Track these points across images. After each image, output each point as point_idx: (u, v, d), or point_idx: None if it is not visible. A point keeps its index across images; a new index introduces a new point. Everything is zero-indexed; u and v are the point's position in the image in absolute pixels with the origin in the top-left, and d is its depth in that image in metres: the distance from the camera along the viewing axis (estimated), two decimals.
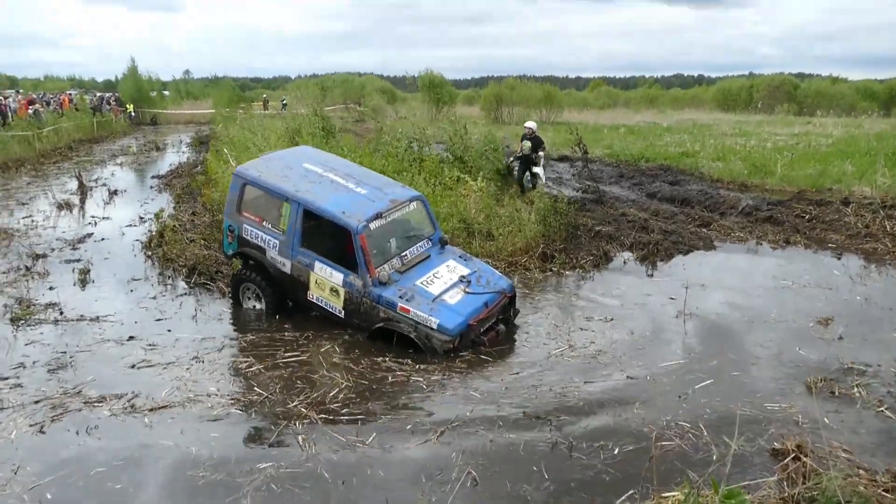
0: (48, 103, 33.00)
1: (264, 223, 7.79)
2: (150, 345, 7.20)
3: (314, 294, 7.56)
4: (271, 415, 5.72)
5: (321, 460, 4.99)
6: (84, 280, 9.55)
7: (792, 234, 12.04)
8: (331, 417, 5.65)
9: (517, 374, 6.58)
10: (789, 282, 9.44)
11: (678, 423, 5.45)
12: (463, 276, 7.63)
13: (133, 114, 41.61)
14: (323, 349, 7.15)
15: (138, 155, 26.40)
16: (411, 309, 6.95)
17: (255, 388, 6.19)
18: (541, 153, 14.00)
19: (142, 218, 13.49)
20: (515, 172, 14.39)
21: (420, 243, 7.93)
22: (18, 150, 22.76)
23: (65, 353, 6.95)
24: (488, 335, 7.32)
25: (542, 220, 11.12)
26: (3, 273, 9.77)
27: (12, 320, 7.89)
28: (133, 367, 6.66)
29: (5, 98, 27.75)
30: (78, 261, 10.46)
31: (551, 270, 10.16)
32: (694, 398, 5.96)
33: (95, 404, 5.86)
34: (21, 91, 33.30)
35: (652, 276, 10.11)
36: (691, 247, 11.41)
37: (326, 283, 7.40)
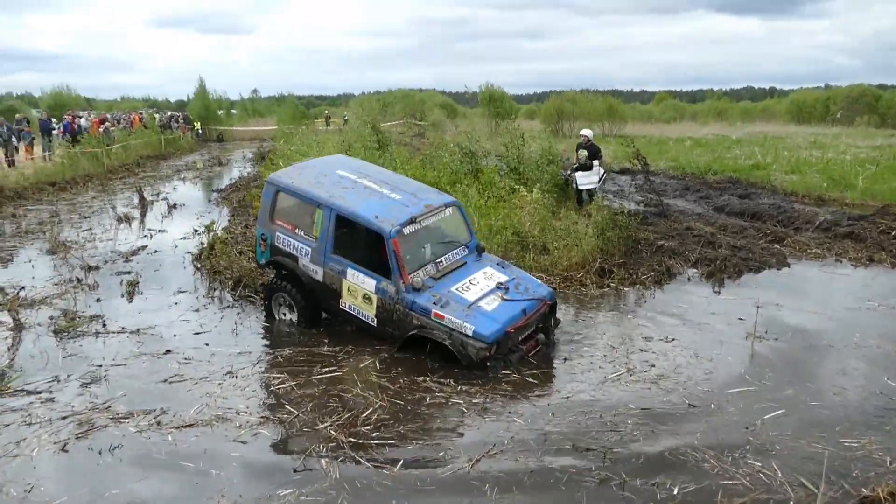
0: (118, 122, 34.13)
1: (297, 230, 7.61)
2: (185, 358, 6.98)
3: (346, 302, 7.31)
4: (299, 436, 5.37)
5: (345, 488, 4.60)
6: (131, 292, 9.48)
7: (876, 251, 11.09)
8: (360, 441, 5.26)
9: (566, 398, 6.05)
10: (874, 303, 8.60)
11: (746, 461, 4.83)
12: (500, 283, 7.25)
13: (200, 131, 42.70)
14: (361, 365, 6.79)
15: (202, 170, 26.91)
16: (446, 315, 6.62)
17: (286, 407, 5.86)
18: (597, 162, 13.38)
19: (196, 231, 13.50)
20: (574, 185, 13.79)
21: (456, 250, 7.62)
22: (87, 167, 23.40)
23: (100, 366, 6.79)
24: (527, 344, 6.96)
25: (599, 234, 10.54)
26: (55, 285, 9.80)
27: (55, 332, 7.81)
28: (165, 381, 6.43)
29: (78, 117, 28.73)
30: (128, 273, 10.44)
31: (609, 286, 9.57)
32: (763, 431, 5.32)
33: (122, 420, 5.63)
34: (94, 111, 34.53)
35: (719, 293, 9.41)
36: (762, 263, 10.61)
37: (359, 290, 7.14)
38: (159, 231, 13.97)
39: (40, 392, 6.23)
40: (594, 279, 9.71)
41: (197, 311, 8.61)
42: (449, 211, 7.81)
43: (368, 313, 7.16)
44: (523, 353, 6.85)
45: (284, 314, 7.97)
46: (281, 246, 7.74)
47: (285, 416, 5.70)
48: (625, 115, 37.16)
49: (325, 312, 7.83)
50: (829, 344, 7.28)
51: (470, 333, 6.49)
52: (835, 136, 30.02)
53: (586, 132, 14.05)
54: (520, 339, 6.92)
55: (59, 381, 6.48)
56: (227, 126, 48.14)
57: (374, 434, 5.38)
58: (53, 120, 27.60)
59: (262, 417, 5.69)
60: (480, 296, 6.95)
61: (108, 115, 36.05)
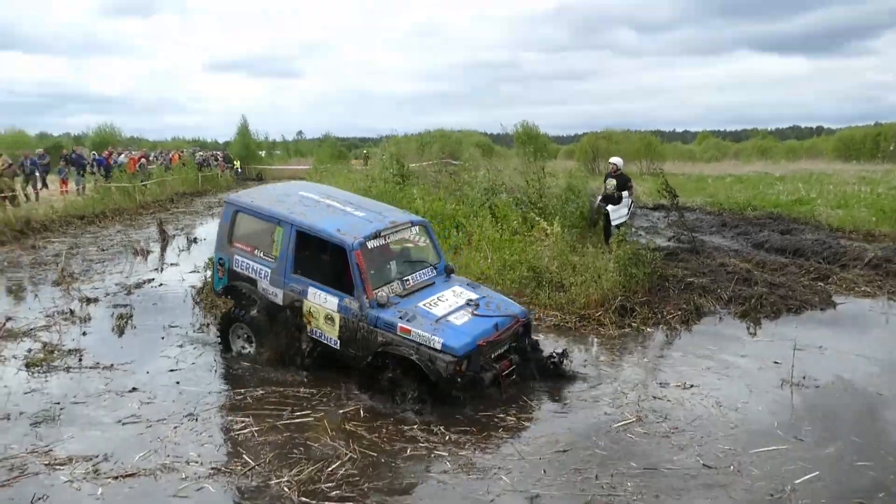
0: (158, 159, 34.54)
1: (256, 251, 7.20)
2: (150, 398, 6.39)
3: (308, 325, 6.83)
4: (248, 493, 4.69)
5: None
6: (122, 326, 9.00)
7: None
8: (315, 501, 4.55)
9: (564, 451, 5.26)
10: None
11: None
12: (471, 300, 6.83)
13: (240, 170, 43.15)
14: (341, 410, 6.10)
15: None
16: (412, 329, 6.14)
17: (243, 456, 5.19)
18: (626, 193, 12.54)
19: (205, 265, 13.11)
20: (599, 216, 12.96)
21: (423, 270, 7.23)
22: (119, 201, 23.52)
23: (58, 404, 6.24)
24: (501, 363, 6.45)
25: (622, 270, 9.74)
26: (47, 316, 9.39)
27: (27, 366, 7.33)
28: (120, 422, 5.84)
29: (115, 153, 29.14)
30: (126, 306, 10.00)
31: (630, 326, 8.74)
32: (793, 499, 4.44)
33: (58, 467, 5.03)
34: (133, 149, 35.10)
35: (754, 335, 8.53)
36: (804, 302, 9.66)
37: (321, 310, 6.67)
38: (171, 265, 13.62)
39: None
40: (614, 318, 8.89)
41: (181, 346, 8.06)
42: (415, 230, 7.48)
43: (331, 335, 6.67)
44: (497, 372, 6.29)
45: (243, 347, 7.38)
46: (239, 270, 7.26)
47: (239, 467, 5.04)
48: (663, 154, 36.19)
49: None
50: (877, 392, 6.34)
51: (439, 347, 5.99)
52: (885, 172, 28.56)
53: (616, 160, 13.17)
54: (493, 356, 6.44)
55: (9, 418, 5.93)
56: (267, 165, 48.69)
57: (335, 493, 4.67)
58: (86, 155, 27.94)
59: (212, 468, 5.02)
60: (449, 311, 6.50)
61: (150, 153, 36.57)
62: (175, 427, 5.69)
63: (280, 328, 6.92)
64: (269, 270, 7.04)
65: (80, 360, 7.53)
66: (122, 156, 30.58)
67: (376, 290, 6.45)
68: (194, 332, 8.68)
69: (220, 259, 7.49)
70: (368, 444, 5.45)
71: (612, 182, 12.76)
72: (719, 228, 16.60)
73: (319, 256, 7.12)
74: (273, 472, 4.96)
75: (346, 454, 5.23)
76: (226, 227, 7.41)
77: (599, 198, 13.02)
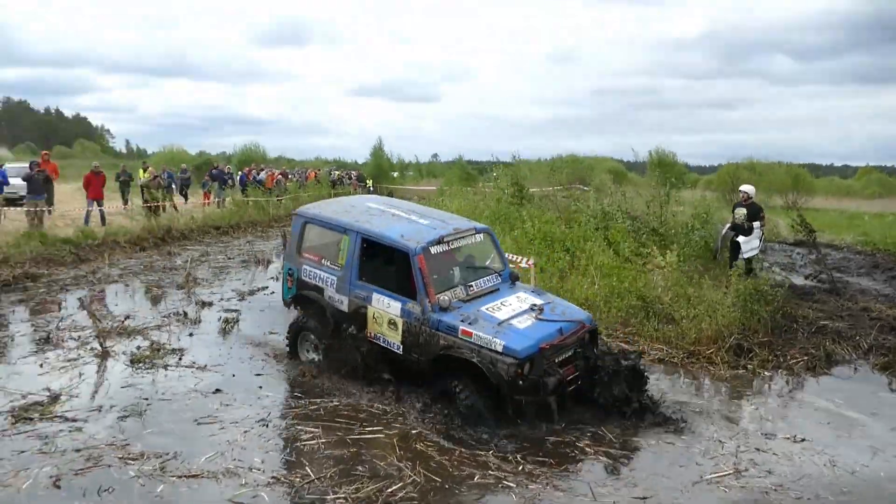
0: (293, 176, 36.27)
1: (323, 261, 7.36)
2: (230, 400, 6.48)
3: (372, 331, 6.85)
4: None
5: None
6: (226, 329, 9.30)
7: None
8: None
9: (641, 498, 4.73)
10: None
11: None
12: (535, 305, 6.71)
13: (371, 189, 44.54)
14: (414, 431, 5.88)
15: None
16: (474, 332, 6.10)
17: (306, 468, 5.09)
18: (757, 224, 11.52)
19: None
20: (725, 244, 12.00)
21: (488, 276, 7.19)
22: (254, 214, 24.85)
23: (147, 399, 6.47)
24: (565, 369, 6.28)
25: (742, 306, 8.90)
26: (164, 317, 9.88)
27: (132, 362, 7.68)
28: (196, 421, 5.93)
29: (255, 170, 30.90)
30: (235, 311, 10.37)
31: (744, 368, 7.93)
32: None
33: (130, 461, 5.15)
34: (271, 167, 37.15)
35: (895, 390, 7.45)
36: None
37: (384, 315, 6.72)
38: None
39: (76, 420, 5.97)
40: (727, 358, 8.11)
41: (269, 354, 8.16)
42: (480, 237, 7.46)
43: (394, 340, 6.68)
44: (561, 377, 6.12)
45: (311, 356, 7.48)
46: (307, 279, 7.41)
47: (298, 479, 4.93)
48: (813, 187, 33.47)
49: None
50: None
51: (500, 349, 5.92)
52: None
53: (747, 188, 12.16)
54: (556, 360, 6.25)
55: (100, 410, 6.19)
56: (398, 185, 50.02)
57: None
58: (226, 171, 29.81)
59: (272, 477, 4.95)
60: (512, 315, 6.44)
61: (288, 171, 38.55)
62: (245, 431, 5.70)
63: (346, 337, 6.94)
64: (335, 278, 7.15)
65: (180, 359, 7.83)
66: (263, 173, 32.43)
67: (438, 295, 6.43)
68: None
69: (290, 270, 7.66)
70: (436, 466, 5.20)
71: (742, 211, 11.79)
72: (869, 270, 14.94)
73: (384, 263, 7.11)
74: (332, 486, 4.82)
75: (410, 476, 5.02)
76: (296, 237, 7.58)
77: (726, 227, 12.08)
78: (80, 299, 10.86)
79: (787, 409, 6.66)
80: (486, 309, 6.45)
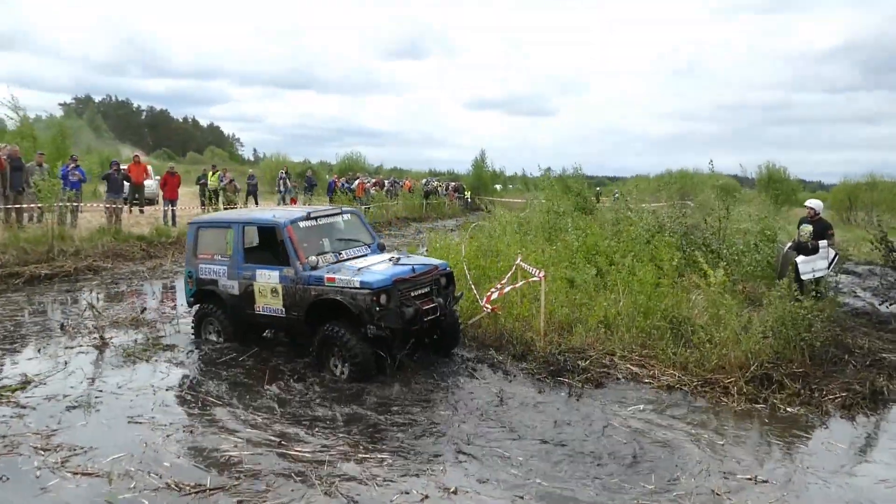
0: (382, 185, 36.53)
1: (215, 256, 8.21)
2: (178, 399, 6.38)
3: (260, 305, 7.70)
4: None
5: None
6: None
7: None
8: None
9: None
10: None
11: None
12: (392, 258, 7.75)
13: (469, 200, 44.45)
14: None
15: (453, 230, 27.54)
16: (336, 276, 7.07)
17: (208, 477, 4.83)
18: (824, 242, 10.24)
19: None
20: (788, 264, 10.77)
21: (357, 247, 8.11)
22: None
23: (101, 391, 6.50)
24: (423, 302, 7.25)
25: (778, 331, 7.87)
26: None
27: (126, 355, 7.79)
28: (130, 419, 5.85)
29: (348, 179, 31.56)
30: None
31: (764, 402, 6.96)
32: None
33: (41, 452, 5.12)
34: (366, 176, 37.77)
35: None
36: None
37: (267, 286, 7.59)
38: None
39: (25, 407, 6.07)
40: (746, 388, 7.16)
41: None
42: (347, 216, 8.53)
43: (278, 306, 7.54)
44: (418, 308, 7.07)
45: (213, 337, 8.35)
46: (204, 276, 8.24)
47: (190, 486, 4.68)
48: None
49: (247, 328, 8.15)
50: None
51: (358, 285, 6.87)
52: None
53: (813, 203, 10.85)
54: (413, 295, 7.21)
55: (52, 400, 6.25)
56: (498, 197, 49.69)
57: None
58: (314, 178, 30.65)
59: (165, 483, 4.73)
60: (371, 264, 7.42)
61: (384, 180, 39.08)
62: (168, 435, 5.52)
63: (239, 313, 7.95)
64: (225, 268, 8.03)
65: (172, 354, 7.84)
66: (356, 182, 33.08)
67: (308, 257, 7.27)
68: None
69: (189, 273, 8.43)
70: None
71: (808, 228, 10.51)
72: None
73: (263, 245, 8.49)
74: (231, 495, 4.54)
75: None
76: (191, 243, 8.42)
77: (789, 245, 10.86)
78: (109, 293, 11.27)
79: (784, 449, 5.71)
80: (350, 263, 7.48)
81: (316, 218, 7.96)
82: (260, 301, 7.70)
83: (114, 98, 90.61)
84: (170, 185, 18.38)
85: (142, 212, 19.54)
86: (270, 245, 8.26)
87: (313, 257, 7.33)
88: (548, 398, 6.88)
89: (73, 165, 16.44)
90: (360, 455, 5.25)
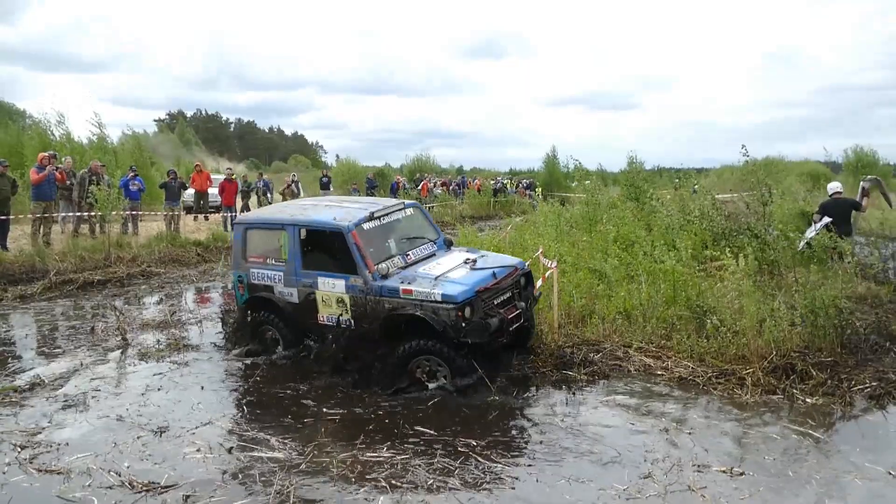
0: (448, 185, 36.53)
1: (268, 261, 7.65)
2: (162, 404, 6.48)
3: (324, 314, 7.22)
4: None
5: None
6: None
7: None
8: None
9: None
10: None
11: None
12: (468, 259, 7.27)
13: (539, 196, 43.90)
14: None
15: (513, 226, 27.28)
16: (414, 289, 6.58)
17: (163, 479, 4.90)
18: (818, 217, 10.25)
19: None
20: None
21: (424, 245, 7.66)
22: None
23: (98, 391, 6.73)
24: (506, 310, 6.89)
25: (810, 320, 7.32)
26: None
27: (141, 356, 8.03)
28: (119, 419, 6.01)
29: (421, 180, 31.81)
30: None
31: (782, 392, 6.46)
32: None
33: (19, 448, 5.34)
34: (434, 176, 37.92)
35: None
36: None
37: (332, 296, 7.10)
38: None
39: (24, 406, 6.34)
40: (765, 379, 6.67)
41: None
42: (409, 210, 7.97)
43: (345, 316, 7.05)
44: (503, 317, 6.68)
45: (271, 347, 7.79)
46: (257, 282, 7.70)
47: (142, 485, 4.77)
48: None
49: (310, 335, 7.58)
50: None
51: (439, 298, 6.40)
52: None
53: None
54: (496, 303, 6.83)
55: (54, 399, 6.52)
56: (571, 193, 48.88)
57: None
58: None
59: (120, 482, 4.82)
60: (447, 269, 6.93)
61: (451, 181, 39.15)
62: (138, 437, 5.61)
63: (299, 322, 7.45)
64: (281, 273, 7.48)
65: (186, 356, 8.01)
66: (424, 181, 33.30)
67: (377, 264, 6.77)
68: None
69: (240, 277, 7.85)
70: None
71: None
72: None
73: (323, 248, 7.57)
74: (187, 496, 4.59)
75: None
76: (239, 245, 7.86)
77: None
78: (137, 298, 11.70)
79: (780, 440, 5.26)
80: (423, 269, 6.93)
81: (379, 217, 7.39)
82: (324, 311, 7.20)
83: (204, 112, 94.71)
84: (227, 191, 18.97)
85: (206, 219, 20.31)
86: (329, 247, 7.46)
87: (383, 264, 6.80)
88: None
89: (132, 175, 17.24)
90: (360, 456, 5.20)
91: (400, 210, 7.80)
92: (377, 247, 7.15)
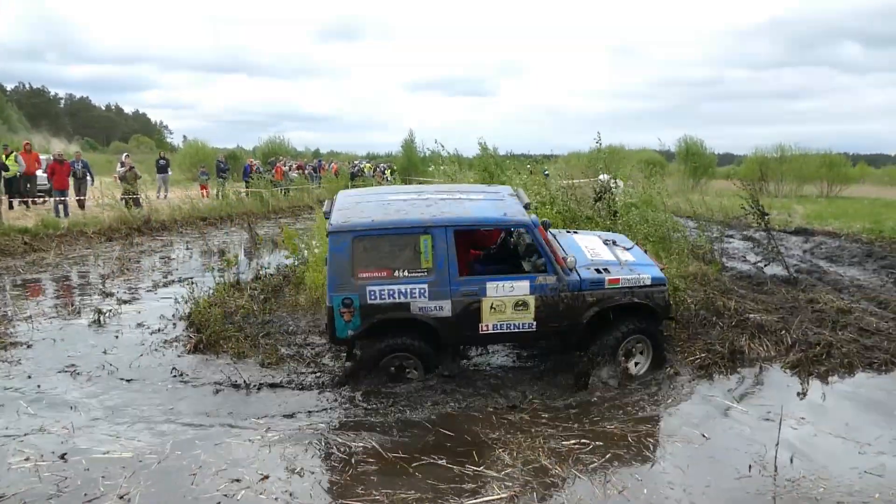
0: (304, 168, 35.75)
1: (397, 273, 6.19)
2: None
3: (489, 323, 6.38)
4: None
5: None
6: (99, 321, 8.77)
7: None
8: None
9: None
10: None
11: None
12: (606, 240, 7.53)
13: (390, 180, 44.07)
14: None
15: None
16: (620, 277, 6.56)
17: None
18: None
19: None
20: None
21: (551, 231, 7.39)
22: (251, 206, 24.29)
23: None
24: None
25: None
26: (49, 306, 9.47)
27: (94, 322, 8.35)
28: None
29: (279, 163, 30.84)
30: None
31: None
32: None
33: None
34: (286, 159, 36.95)
35: (805, 395, 6.40)
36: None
37: (507, 301, 6.34)
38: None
39: None
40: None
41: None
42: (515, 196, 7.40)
43: (525, 321, 6.40)
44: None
45: (406, 375, 6.46)
46: (377, 301, 6.16)
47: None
48: (848, 176, 30.83)
49: (461, 346, 7.16)
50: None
51: (650, 282, 6.60)
52: None
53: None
54: None
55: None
56: (430, 178, 49.50)
57: None
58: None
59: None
60: (613, 254, 7.03)
61: (307, 164, 38.34)
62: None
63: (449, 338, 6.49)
64: (425, 286, 6.18)
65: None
66: (275, 166, 32.32)
67: (565, 258, 6.46)
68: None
69: (345, 299, 6.16)
70: None
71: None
72: (862, 259, 13.42)
73: (487, 249, 7.28)
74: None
75: None
76: (345, 259, 6.14)
77: None
78: None
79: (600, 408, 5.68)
80: (594, 257, 6.85)
81: (528, 207, 6.88)
82: (491, 319, 6.32)
83: (28, 86, 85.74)
84: (58, 174, 17.37)
85: (34, 203, 18.52)
86: (502, 248, 6.94)
87: (570, 257, 6.45)
88: None
89: None
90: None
91: (514, 197, 7.19)
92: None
